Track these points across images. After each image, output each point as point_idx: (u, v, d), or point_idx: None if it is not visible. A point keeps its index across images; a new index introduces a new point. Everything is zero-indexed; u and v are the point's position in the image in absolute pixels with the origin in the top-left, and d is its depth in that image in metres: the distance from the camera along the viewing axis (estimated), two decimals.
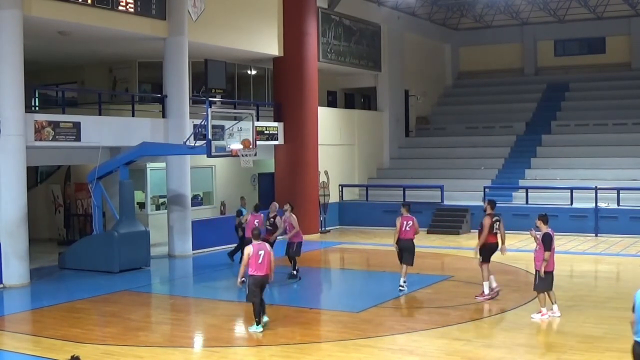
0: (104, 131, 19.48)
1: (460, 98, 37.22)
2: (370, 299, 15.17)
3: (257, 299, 12.38)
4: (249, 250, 12.37)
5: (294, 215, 17.43)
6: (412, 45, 34.22)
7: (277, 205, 18.43)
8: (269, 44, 24.82)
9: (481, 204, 26.75)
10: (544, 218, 13.26)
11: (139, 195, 23.07)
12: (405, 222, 15.60)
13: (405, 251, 15.68)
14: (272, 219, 17.80)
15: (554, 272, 13.26)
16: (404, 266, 15.71)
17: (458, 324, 12.89)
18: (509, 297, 14.95)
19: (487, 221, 14.64)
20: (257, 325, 12.48)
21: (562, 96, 34.60)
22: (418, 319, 13.53)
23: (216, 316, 13.89)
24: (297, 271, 17.51)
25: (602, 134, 30.21)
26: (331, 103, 32.29)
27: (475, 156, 30.80)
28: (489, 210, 14.81)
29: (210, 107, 17.99)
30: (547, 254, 12.97)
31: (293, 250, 17.47)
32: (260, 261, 12.27)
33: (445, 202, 27.20)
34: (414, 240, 15.79)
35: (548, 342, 11.81)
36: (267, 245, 12.80)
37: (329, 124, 28.09)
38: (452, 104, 37.14)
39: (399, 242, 15.67)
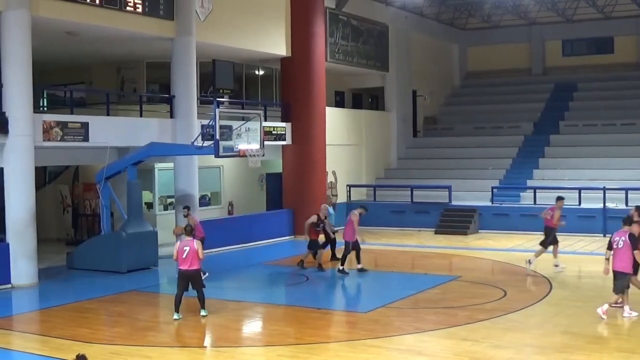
0: (112, 131, 19.50)
1: (468, 98, 37.14)
2: (378, 299, 15.18)
3: (179, 291, 13.57)
4: (176, 246, 13.74)
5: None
6: (420, 45, 34.16)
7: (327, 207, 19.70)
8: (277, 44, 24.82)
9: (489, 204, 26.93)
10: (627, 220, 13.09)
11: (146, 196, 23.08)
12: (550, 211, 17.95)
13: (545, 235, 17.98)
14: (323, 221, 18.86)
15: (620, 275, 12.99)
16: (553, 247, 17.92)
17: (466, 324, 12.85)
18: (516, 298, 14.92)
19: (635, 229, 13.06)
20: (176, 313, 13.57)
21: (570, 96, 34.48)
22: (426, 320, 13.49)
23: (223, 316, 13.90)
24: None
25: (610, 134, 30.06)
26: (339, 103, 32.26)
27: (483, 156, 30.71)
28: (636, 217, 13.57)
29: (218, 108, 17.99)
30: (606, 252, 13.12)
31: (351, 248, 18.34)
32: (184, 256, 13.42)
33: (453, 203, 27.15)
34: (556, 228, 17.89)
35: (556, 343, 11.75)
36: (195, 242, 13.57)
37: (336, 124, 28.07)
38: (459, 104, 37.06)
39: (545, 228, 18.04)
